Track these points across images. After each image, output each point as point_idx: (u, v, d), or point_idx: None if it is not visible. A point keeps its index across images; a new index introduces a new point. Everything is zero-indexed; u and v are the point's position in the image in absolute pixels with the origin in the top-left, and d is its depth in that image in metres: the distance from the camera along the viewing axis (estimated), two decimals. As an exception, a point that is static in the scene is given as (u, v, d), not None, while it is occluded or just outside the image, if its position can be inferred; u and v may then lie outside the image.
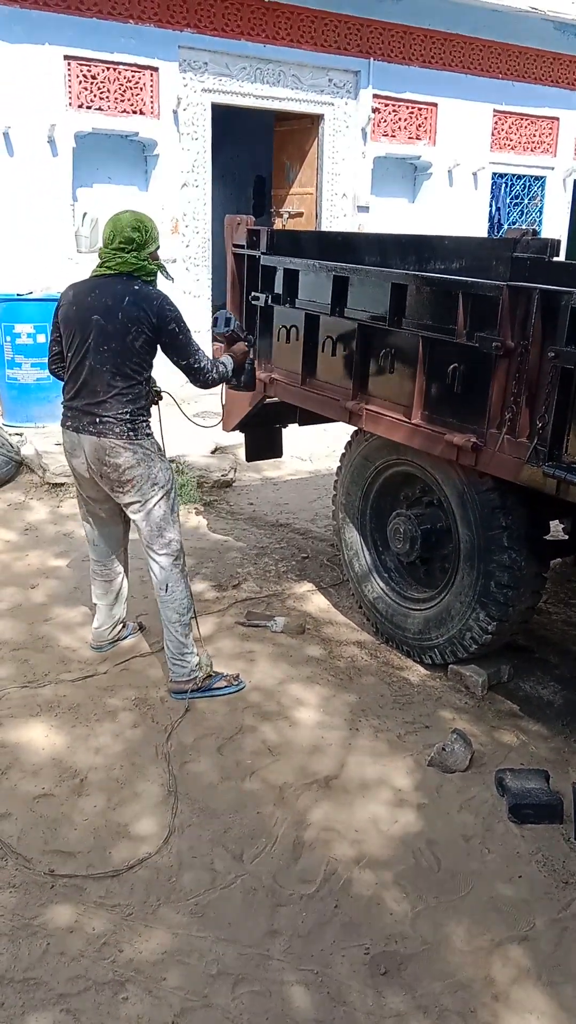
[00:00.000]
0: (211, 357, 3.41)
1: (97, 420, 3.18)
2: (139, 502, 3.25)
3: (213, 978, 2.19)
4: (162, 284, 3.32)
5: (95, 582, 3.62)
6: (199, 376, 3.27)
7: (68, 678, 3.46)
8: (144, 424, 3.24)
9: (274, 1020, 2.08)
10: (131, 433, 3.18)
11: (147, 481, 3.23)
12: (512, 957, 2.28)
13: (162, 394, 3.48)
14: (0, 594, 4.19)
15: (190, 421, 3.78)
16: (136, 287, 3.15)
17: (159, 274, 3.29)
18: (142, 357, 3.17)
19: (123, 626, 3.73)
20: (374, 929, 2.36)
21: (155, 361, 3.29)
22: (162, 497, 3.27)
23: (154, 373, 3.35)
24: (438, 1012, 2.12)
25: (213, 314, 3.86)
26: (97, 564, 3.58)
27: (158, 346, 3.20)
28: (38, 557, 4.65)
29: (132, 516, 3.33)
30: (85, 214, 7.87)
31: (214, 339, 3.74)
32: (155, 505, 3.26)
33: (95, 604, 3.65)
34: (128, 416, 3.18)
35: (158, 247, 3.25)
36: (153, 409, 3.42)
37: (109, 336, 3.11)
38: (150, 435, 3.26)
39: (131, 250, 3.15)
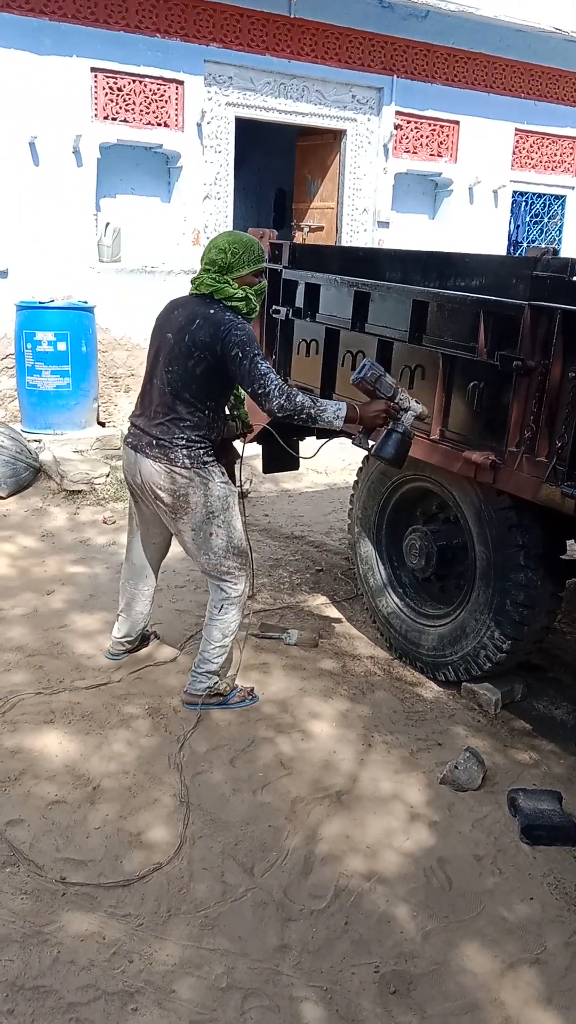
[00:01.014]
0: (303, 392, 3.08)
1: (154, 443, 3.08)
2: (193, 530, 3.16)
3: (223, 992, 2.18)
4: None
5: (122, 594, 3.60)
6: (262, 403, 2.94)
7: (82, 685, 3.48)
8: (203, 452, 3.09)
9: (283, 1036, 2.08)
10: (187, 460, 3.06)
11: (200, 509, 3.12)
12: (523, 980, 2.27)
13: (252, 426, 3.34)
14: (17, 600, 4.21)
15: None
16: (211, 311, 2.99)
17: (249, 299, 3.06)
18: (205, 385, 3.03)
19: (141, 638, 3.74)
20: (384, 947, 2.35)
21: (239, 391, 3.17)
22: (219, 525, 3.15)
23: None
24: (448, 1033, 2.11)
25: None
26: (128, 580, 3.55)
27: (226, 376, 3.01)
28: (55, 563, 4.68)
29: (185, 544, 3.23)
30: (108, 224, 7.94)
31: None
32: (211, 534, 3.16)
33: (119, 614, 3.65)
34: (184, 442, 3.06)
35: (254, 271, 3.07)
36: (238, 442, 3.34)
37: (174, 358, 3.02)
38: (208, 463, 3.11)
39: (214, 272, 3.02)
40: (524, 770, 3.14)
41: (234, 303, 3.03)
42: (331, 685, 3.61)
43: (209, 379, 3.02)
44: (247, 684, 3.50)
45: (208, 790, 2.92)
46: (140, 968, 2.23)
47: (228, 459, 3.41)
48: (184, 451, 3.07)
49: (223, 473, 3.19)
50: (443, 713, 3.47)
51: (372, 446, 3.14)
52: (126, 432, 3.29)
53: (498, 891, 2.56)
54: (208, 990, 2.18)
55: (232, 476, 3.40)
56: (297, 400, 2.93)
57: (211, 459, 3.14)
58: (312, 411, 2.95)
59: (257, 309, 3.15)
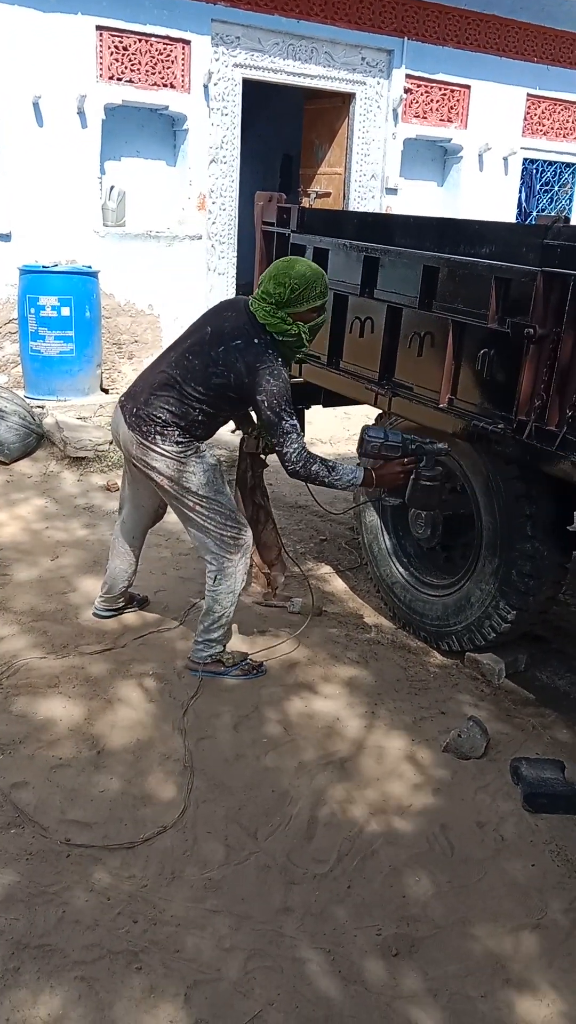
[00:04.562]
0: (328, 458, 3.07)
1: (135, 410, 3.07)
2: (174, 500, 3.16)
3: (226, 952, 2.20)
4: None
5: (113, 544, 3.60)
6: (283, 463, 2.98)
7: (87, 650, 3.48)
8: (178, 434, 3.04)
9: (286, 995, 2.10)
10: (157, 437, 3.03)
11: (172, 485, 3.10)
12: (524, 944, 2.29)
13: (267, 461, 3.50)
14: (23, 564, 4.21)
15: (320, 507, 3.96)
16: (257, 340, 2.94)
17: (302, 337, 3.01)
18: (210, 393, 3.00)
19: (128, 597, 3.74)
20: (387, 911, 2.37)
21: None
22: (197, 500, 3.11)
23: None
24: (449, 995, 2.13)
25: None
26: (119, 529, 3.56)
27: (238, 402, 3.07)
28: (61, 529, 4.67)
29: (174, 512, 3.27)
30: (112, 187, 7.82)
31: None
32: (191, 508, 3.13)
33: (107, 568, 3.65)
34: (160, 424, 3.03)
35: (312, 307, 3.00)
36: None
37: (198, 353, 3.00)
38: (181, 443, 3.05)
39: (270, 303, 2.95)
40: (527, 739, 3.15)
41: (286, 338, 2.98)
42: (335, 653, 3.62)
43: (217, 393, 3.02)
44: (256, 658, 3.48)
45: (212, 755, 2.93)
46: (144, 928, 2.25)
47: (255, 469, 3.55)
48: (158, 428, 3.04)
49: (200, 457, 3.11)
50: (447, 682, 3.48)
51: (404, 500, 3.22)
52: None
53: (500, 857, 2.58)
54: (212, 950, 2.20)
55: (255, 485, 3.61)
56: (312, 469, 2.95)
57: (185, 441, 3.06)
58: (326, 480, 2.98)
59: (308, 346, 3.09)
